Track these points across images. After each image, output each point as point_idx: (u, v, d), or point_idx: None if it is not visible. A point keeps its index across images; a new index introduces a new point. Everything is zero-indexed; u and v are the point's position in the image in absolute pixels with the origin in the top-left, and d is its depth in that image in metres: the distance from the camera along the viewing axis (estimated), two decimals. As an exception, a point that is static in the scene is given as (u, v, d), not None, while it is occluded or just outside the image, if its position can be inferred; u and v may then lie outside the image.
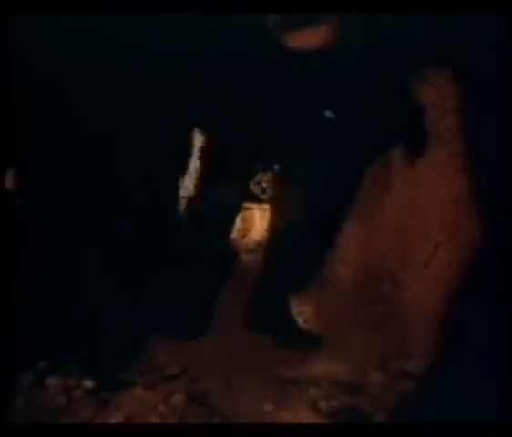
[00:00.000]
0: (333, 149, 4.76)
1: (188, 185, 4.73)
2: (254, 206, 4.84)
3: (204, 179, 4.75)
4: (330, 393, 3.86)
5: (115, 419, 3.61)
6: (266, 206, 4.82)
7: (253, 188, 4.83)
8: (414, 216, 4.41)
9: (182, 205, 4.71)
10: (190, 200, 4.73)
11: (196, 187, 4.75)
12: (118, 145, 4.55)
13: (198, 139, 4.76)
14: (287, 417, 3.65)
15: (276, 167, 4.84)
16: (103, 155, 4.55)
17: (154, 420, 3.60)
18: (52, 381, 3.82)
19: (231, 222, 4.77)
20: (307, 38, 4.00)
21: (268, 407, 3.74)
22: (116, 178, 4.55)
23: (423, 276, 4.26)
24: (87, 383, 3.84)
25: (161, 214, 4.62)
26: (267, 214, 4.81)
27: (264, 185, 4.84)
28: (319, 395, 3.81)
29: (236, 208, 4.79)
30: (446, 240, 4.10)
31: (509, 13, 3.52)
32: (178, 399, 3.75)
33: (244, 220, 4.82)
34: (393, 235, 4.46)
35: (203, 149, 4.75)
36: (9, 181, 4.06)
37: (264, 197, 4.83)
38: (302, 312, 4.50)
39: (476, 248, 3.95)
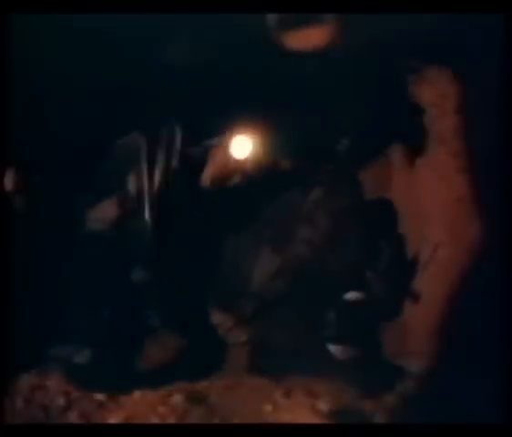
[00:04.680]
0: (333, 148, 4.77)
1: None
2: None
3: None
4: (330, 393, 3.86)
5: (115, 419, 3.61)
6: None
7: None
8: (414, 216, 4.41)
9: None
10: None
11: None
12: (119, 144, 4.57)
13: None
14: (287, 417, 3.65)
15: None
16: (103, 154, 4.56)
17: (154, 420, 3.60)
18: (52, 381, 3.82)
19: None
20: (306, 38, 4.00)
21: (268, 407, 3.74)
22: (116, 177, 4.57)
23: (423, 276, 4.27)
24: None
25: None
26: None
27: None
28: (319, 395, 3.82)
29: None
30: (446, 241, 4.10)
31: (509, 13, 3.52)
32: (177, 399, 3.75)
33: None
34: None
35: None
36: (8, 182, 4.06)
37: None
38: None
39: (476, 248, 3.95)
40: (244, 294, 4.49)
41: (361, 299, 4.35)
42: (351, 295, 4.37)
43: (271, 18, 3.94)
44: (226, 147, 4.68)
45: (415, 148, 4.43)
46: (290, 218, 4.59)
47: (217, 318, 4.49)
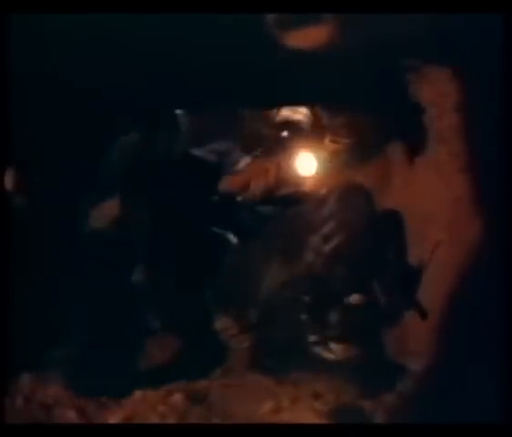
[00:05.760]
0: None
1: None
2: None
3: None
4: (330, 393, 3.87)
5: (115, 418, 3.61)
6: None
7: None
8: (414, 215, 4.41)
9: None
10: None
11: None
12: (119, 144, 4.57)
13: None
14: (287, 416, 3.65)
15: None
16: (103, 153, 4.57)
17: (154, 419, 3.61)
18: (52, 380, 3.83)
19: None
20: (305, 37, 4.00)
21: (268, 406, 3.74)
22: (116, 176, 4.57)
23: (423, 275, 4.26)
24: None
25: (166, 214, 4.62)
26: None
27: None
28: (319, 395, 3.82)
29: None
30: (446, 240, 4.10)
31: (509, 13, 3.52)
32: (177, 398, 3.75)
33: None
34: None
35: None
36: (8, 181, 4.06)
37: None
38: None
39: (476, 247, 3.95)
40: (250, 301, 4.50)
41: (363, 301, 4.36)
42: (353, 298, 4.38)
43: (271, 17, 3.93)
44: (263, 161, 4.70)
45: (415, 147, 4.43)
46: (302, 228, 4.59)
47: (221, 323, 4.49)
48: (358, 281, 4.44)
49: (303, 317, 4.43)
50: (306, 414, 3.68)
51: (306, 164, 4.71)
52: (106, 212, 4.47)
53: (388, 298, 4.35)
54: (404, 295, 4.27)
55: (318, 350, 4.33)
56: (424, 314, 4.13)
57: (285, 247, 4.59)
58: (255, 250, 4.63)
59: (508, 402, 3.31)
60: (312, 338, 4.37)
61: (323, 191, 4.65)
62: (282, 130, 4.77)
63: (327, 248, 4.46)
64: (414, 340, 4.16)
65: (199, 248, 4.49)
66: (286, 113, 4.77)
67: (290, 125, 4.73)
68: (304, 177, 4.71)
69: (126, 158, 4.57)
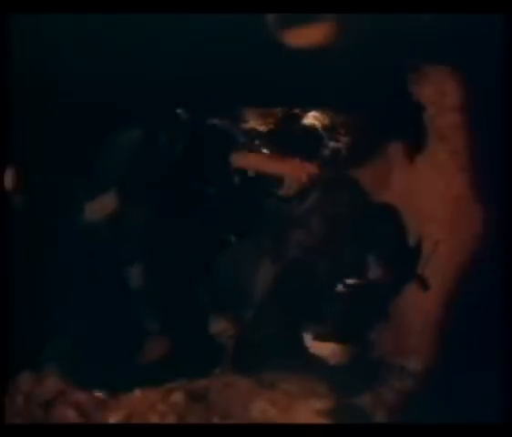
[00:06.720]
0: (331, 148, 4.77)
1: None
2: None
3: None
4: (330, 393, 3.87)
5: (115, 417, 3.62)
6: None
7: None
8: (414, 214, 4.41)
9: None
10: None
11: None
12: (119, 142, 4.56)
13: None
14: (285, 416, 3.66)
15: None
16: (103, 151, 4.56)
17: (154, 418, 3.61)
18: (52, 380, 3.83)
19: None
20: (306, 36, 4.00)
21: (267, 407, 3.74)
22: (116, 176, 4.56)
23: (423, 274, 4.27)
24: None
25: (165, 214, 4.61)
26: None
27: None
28: (319, 395, 3.82)
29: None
30: (446, 238, 4.10)
31: (509, 13, 3.52)
32: (177, 397, 3.75)
33: None
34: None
35: None
36: (8, 181, 4.06)
37: None
38: None
39: (475, 246, 3.96)
40: (245, 302, 4.50)
41: (356, 286, 4.35)
42: (344, 285, 4.37)
43: (271, 16, 3.93)
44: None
45: (415, 147, 4.42)
46: (287, 224, 4.59)
47: (215, 325, 4.49)
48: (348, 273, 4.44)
49: (296, 315, 4.43)
50: (303, 413, 3.69)
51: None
52: (103, 210, 4.46)
53: (387, 272, 4.34)
54: (403, 268, 4.26)
55: (314, 349, 4.33)
56: (425, 285, 4.11)
57: (271, 244, 4.59)
58: (248, 249, 4.62)
59: (508, 402, 3.32)
60: (307, 337, 4.37)
61: (308, 184, 4.65)
62: (282, 129, 4.76)
63: (312, 241, 4.47)
64: (413, 339, 4.16)
65: (196, 247, 4.49)
66: (286, 112, 4.76)
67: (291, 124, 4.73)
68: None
69: (123, 156, 4.57)
